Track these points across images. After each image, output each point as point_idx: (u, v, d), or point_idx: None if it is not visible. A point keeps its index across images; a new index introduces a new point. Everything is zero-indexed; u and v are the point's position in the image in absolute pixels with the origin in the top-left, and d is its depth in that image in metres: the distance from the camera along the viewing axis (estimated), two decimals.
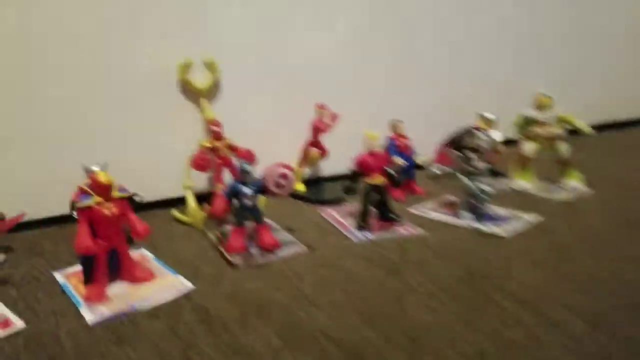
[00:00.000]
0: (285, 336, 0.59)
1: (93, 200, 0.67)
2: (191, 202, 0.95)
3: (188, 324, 0.62)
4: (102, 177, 0.67)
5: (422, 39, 1.26)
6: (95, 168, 0.80)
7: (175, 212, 0.98)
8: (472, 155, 0.90)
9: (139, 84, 0.97)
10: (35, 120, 0.91)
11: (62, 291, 0.71)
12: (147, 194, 0.76)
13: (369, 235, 0.87)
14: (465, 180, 0.92)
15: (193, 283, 0.72)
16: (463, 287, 0.69)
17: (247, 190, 0.80)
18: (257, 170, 0.81)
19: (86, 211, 0.67)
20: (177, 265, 0.78)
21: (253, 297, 0.68)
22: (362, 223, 0.89)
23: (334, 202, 1.05)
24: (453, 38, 1.30)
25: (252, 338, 0.59)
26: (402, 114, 1.08)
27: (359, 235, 0.87)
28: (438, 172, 0.96)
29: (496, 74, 1.36)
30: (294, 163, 1.09)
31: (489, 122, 1.15)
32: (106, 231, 0.69)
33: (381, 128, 1.02)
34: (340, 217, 0.96)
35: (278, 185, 0.82)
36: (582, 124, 1.08)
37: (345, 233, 0.89)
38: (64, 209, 0.78)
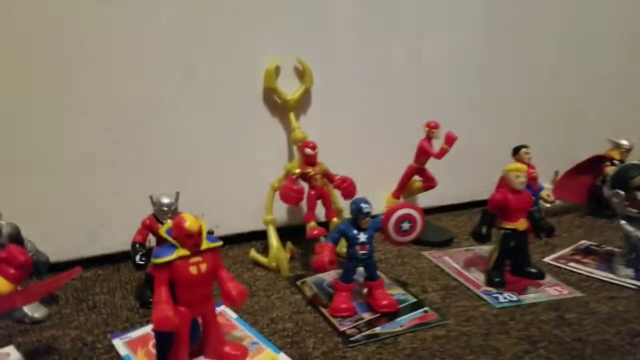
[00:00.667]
0: None
1: (177, 253, 0.49)
2: (274, 240, 0.77)
3: None
4: (191, 223, 0.48)
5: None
6: (165, 200, 0.64)
7: (254, 254, 0.79)
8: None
9: (211, 95, 0.80)
10: (80, 141, 0.75)
11: None
12: (216, 228, 0.59)
13: (512, 297, 0.67)
14: (627, 227, 0.71)
15: None
16: None
17: (362, 236, 0.62)
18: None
19: (166, 269, 0.49)
20: (269, 334, 0.59)
21: None
22: (497, 278, 0.70)
23: (443, 244, 0.85)
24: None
25: None
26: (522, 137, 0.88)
27: (497, 296, 0.67)
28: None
29: None
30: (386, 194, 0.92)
31: (622, 150, 0.97)
32: (191, 295, 0.50)
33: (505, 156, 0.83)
34: (460, 268, 0.76)
35: (400, 231, 0.64)
36: None
37: (476, 291, 0.69)
38: (119, 247, 0.61)
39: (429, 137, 0.84)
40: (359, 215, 0.61)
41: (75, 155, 0.74)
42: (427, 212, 0.97)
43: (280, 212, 0.86)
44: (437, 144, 0.85)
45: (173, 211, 0.64)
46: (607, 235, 0.89)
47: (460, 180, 0.99)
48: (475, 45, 0.98)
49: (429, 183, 0.88)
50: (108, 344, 0.58)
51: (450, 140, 0.81)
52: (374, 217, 0.63)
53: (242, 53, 0.80)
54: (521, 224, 0.69)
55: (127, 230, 0.65)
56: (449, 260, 0.79)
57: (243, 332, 0.60)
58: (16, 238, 0.59)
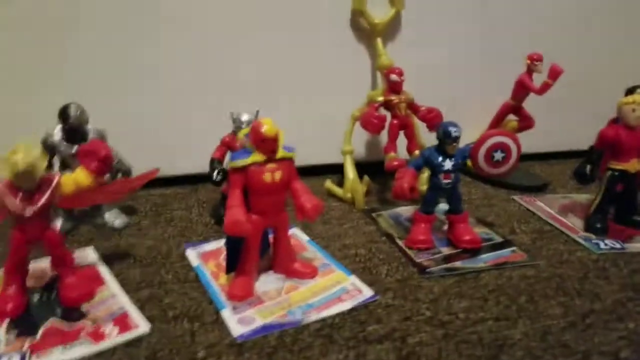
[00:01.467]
0: None
1: (252, 158, 0.47)
2: (350, 172, 0.74)
3: (385, 358, 0.41)
4: (269, 127, 0.46)
5: None
6: (245, 117, 0.63)
7: (329, 184, 0.77)
8: None
9: (295, 15, 0.76)
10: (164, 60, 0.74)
11: (196, 277, 0.53)
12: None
13: (615, 244, 0.59)
14: None
15: (372, 288, 0.50)
16: None
17: (447, 163, 0.57)
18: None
19: (241, 173, 0.47)
20: (341, 257, 0.57)
21: (461, 324, 0.45)
22: (598, 224, 0.62)
23: (536, 189, 0.78)
24: None
25: None
26: None
27: (598, 243, 0.60)
28: None
29: None
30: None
31: None
32: (264, 203, 0.48)
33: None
34: (555, 212, 0.69)
35: (492, 161, 0.58)
36: None
37: (573, 236, 0.62)
38: (198, 168, 0.61)
39: (530, 71, 0.76)
40: (446, 139, 0.56)
41: (162, 79, 0.74)
42: (520, 158, 0.90)
43: (360, 146, 0.83)
44: (538, 80, 0.76)
45: None
46: None
47: (560, 126, 0.89)
48: None
49: (526, 123, 0.80)
50: (181, 254, 0.58)
51: (554, 73, 0.72)
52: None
53: None
54: (632, 166, 0.60)
55: (207, 153, 0.64)
56: (542, 205, 0.71)
57: (314, 253, 0.58)
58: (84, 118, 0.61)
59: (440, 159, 0.57)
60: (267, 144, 0.46)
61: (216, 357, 0.41)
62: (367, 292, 0.50)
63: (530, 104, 0.79)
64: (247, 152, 0.47)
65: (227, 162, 0.63)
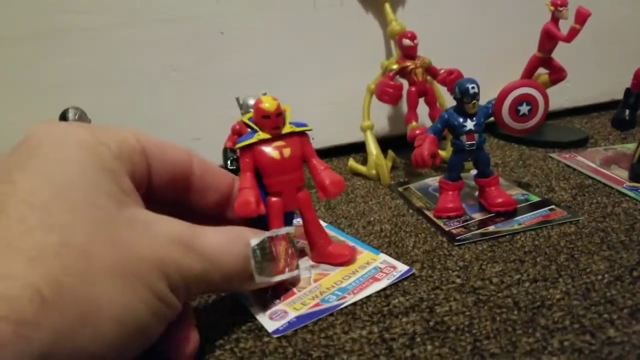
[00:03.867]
0: None
1: (257, 136, 0.45)
2: (372, 147, 0.71)
3: (407, 333, 0.38)
4: (269, 104, 0.44)
5: None
6: (252, 101, 0.61)
7: (353, 163, 0.74)
8: None
9: None
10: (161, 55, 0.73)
11: None
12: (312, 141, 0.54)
13: None
14: None
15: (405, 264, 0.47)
16: None
17: (469, 123, 0.53)
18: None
19: (248, 153, 0.45)
20: (364, 235, 0.54)
21: (495, 289, 0.42)
22: None
23: (576, 144, 0.72)
24: None
25: None
26: None
27: None
28: None
29: None
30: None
31: None
32: (277, 183, 0.46)
33: None
34: (597, 166, 0.64)
35: (518, 115, 0.54)
36: None
37: (617, 187, 0.57)
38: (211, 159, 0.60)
39: (555, 19, 0.70)
40: (465, 97, 0.52)
41: (162, 70, 0.73)
42: (556, 115, 0.85)
43: (381, 121, 0.79)
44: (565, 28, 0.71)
45: None
46: None
47: (597, 77, 0.83)
48: None
49: (558, 74, 0.74)
50: None
51: (581, 17, 0.67)
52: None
53: None
54: None
55: (217, 145, 0.63)
56: (583, 160, 0.66)
57: (336, 238, 0.54)
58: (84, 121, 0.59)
59: (460, 119, 0.53)
60: (268, 121, 0.44)
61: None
62: (402, 268, 0.47)
63: (561, 54, 0.74)
64: (253, 133, 0.45)
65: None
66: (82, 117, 0.60)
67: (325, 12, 0.75)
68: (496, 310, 0.39)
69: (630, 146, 0.65)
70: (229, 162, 0.63)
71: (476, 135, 0.53)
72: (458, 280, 0.44)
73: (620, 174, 0.60)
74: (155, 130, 0.38)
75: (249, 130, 0.47)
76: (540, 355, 0.34)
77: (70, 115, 0.59)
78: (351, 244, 0.53)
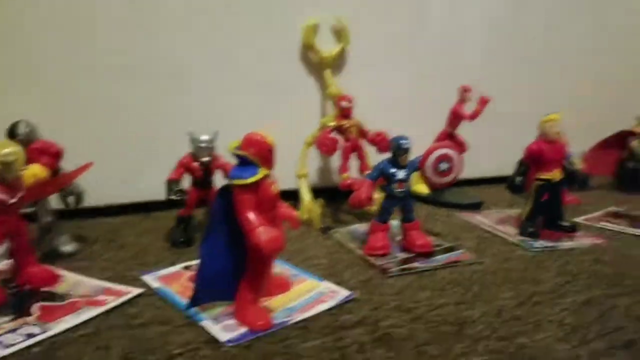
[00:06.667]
0: None
1: (262, 171, 0.44)
2: (306, 194, 0.78)
3: (357, 342, 0.44)
4: (271, 138, 0.45)
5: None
6: (205, 137, 0.65)
7: None
8: None
9: (247, 49, 0.81)
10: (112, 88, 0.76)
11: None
12: None
13: (547, 244, 0.67)
14: None
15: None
16: None
17: (400, 173, 0.62)
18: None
19: (251, 190, 0.44)
20: (305, 267, 0.59)
21: (426, 309, 0.49)
22: (531, 228, 0.70)
23: (472, 207, 0.85)
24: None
25: None
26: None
27: (532, 243, 0.67)
28: None
29: None
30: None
31: None
32: (268, 219, 0.45)
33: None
34: (492, 224, 0.76)
35: (439, 171, 0.64)
36: None
37: (511, 239, 0.69)
38: (151, 195, 0.62)
39: (462, 101, 0.85)
40: (398, 151, 0.62)
41: (111, 102, 0.75)
42: (455, 183, 0.98)
43: (313, 173, 0.87)
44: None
45: (211, 149, 0.65)
46: (635, 204, 0.87)
47: (489, 155, 0.99)
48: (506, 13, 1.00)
49: (460, 148, 0.88)
50: (137, 276, 0.57)
51: (483, 101, 0.82)
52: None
53: (279, 12, 0.82)
54: (555, 175, 0.69)
55: (159, 180, 0.65)
56: (481, 219, 0.79)
57: (280, 268, 0.58)
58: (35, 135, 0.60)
59: (393, 170, 0.62)
60: (271, 155, 0.45)
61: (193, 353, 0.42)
62: (344, 292, 0.52)
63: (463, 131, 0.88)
64: (251, 168, 0.44)
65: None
66: (33, 131, 0.60)
67: (277, 69, 0.83)
68: (430, 324, 0.46)
69: (517, 210, 0.79)
70: (172, 193, 0.64)
71: (405, 184, 0.63)
72: (394, 303, 0.50)
73: (511, 230, 0.72)
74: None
75: (240, 164, 0.45)
76: (471, 356, 0.41)
77: (21, 128, 0.59)
78: (295, 272, 0.58)
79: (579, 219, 0.78)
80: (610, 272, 0.57)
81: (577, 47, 1.08)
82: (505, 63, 1.01)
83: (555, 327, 0.45)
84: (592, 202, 0.88)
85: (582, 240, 0.68)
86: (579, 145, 0.99)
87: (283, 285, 0.54)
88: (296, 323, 0.46)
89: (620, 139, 0.98)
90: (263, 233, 0.43)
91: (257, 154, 0.44)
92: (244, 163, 0.45)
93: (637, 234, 0.72)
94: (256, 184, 0.44)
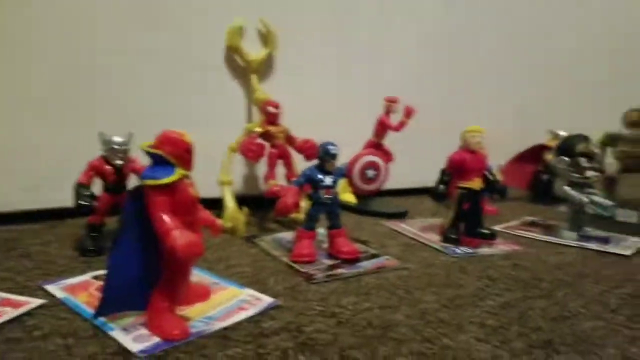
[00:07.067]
0: None
1: (179, 172, 0.42)
2: (230, 201, 0.75)
3: (280, 348, 0.42)
4: (188, 136, 0.43)
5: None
6: (118, 139, 0.61)
7: None
8: (584, 162, 0.74)
9: (168, 53, 0.78)
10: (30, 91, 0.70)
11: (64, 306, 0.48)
12: None
13: (468, 250, 0.68)
14: (571, 192, 0.75)
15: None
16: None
17: (327, 180, 0.62)
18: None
19: (167, 192, 0.41)
20: (228, 276, 0.57)
21: (350, 313, 0.48)
22: (453, 235, 0.71)
23: (398, 216, 0.86)
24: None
25: None
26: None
27: (454, 249, 0.68)
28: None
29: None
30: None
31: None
32: (186, 223, 0.42)
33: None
34: (417, 231, 0.77)
35: (366, 178, 0.64)
36: None
37: (434, 246, 0.70)
38: (57, 202, 0.57)
39: (388, 112, 0.86)
40: (326, 157, 0.61)
41: (18, 106, 0.69)
42: (380, 193, 0.99)
43: (237, 180, 0.84)
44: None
45: (124, 151, 0.62)
46: (548, 215, 0.93)
47: (413, 166, 1.00)
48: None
49: (387, 157, 0.89)
50: (40, 286, 0.52)
51: (409, 113, 0.84)
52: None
53: (204, 15, 0.80)
54: (476, 184, 0.71)
55: (66, 187, 0.60)
56: (406, 227, 0.80)
57: (199, 276, 0.56)
58: None
59: (321, 176, 0.61)
60: (190, 155, 0.43)
61: None
62: (268, 299, 0.50)
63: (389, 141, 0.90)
64: (167, 168, 0.42)
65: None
66: None
67: (200, 71, 0.80)
68: (355, 328, 0.45)
69: (440, 219, 0.81)
70: (81, 197, 0.59)
71: (332, 190, 0.62)
72: (319, 308, 0.49)
73: (434, 238, 0.74)
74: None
75: (155, 163, 0.42)
76: (395, 358, 0.40)
77: None
78: (215, 280, 0.55)
79: (497, 227, 0.81)
80: (528, 277, 0.59)
81: (497, 66, 1.14)
82: (432, 76, 1.04)
83: (477, 328, 0.46)
84: (509, 212, 0.93)
85: (501, 247, 0.71)
86: (497, 159, 1.04)
87: (202, 294, 0.51)
88: (215, 332, 0.44)
89: (536, 153, 1.04)
90: (179, 236, 0.40)
91: (173, 153, 0.42)
92: (159, 163, 0.42)
93: (550, 241, 0.75)
94: (172, 186, 0.41)
